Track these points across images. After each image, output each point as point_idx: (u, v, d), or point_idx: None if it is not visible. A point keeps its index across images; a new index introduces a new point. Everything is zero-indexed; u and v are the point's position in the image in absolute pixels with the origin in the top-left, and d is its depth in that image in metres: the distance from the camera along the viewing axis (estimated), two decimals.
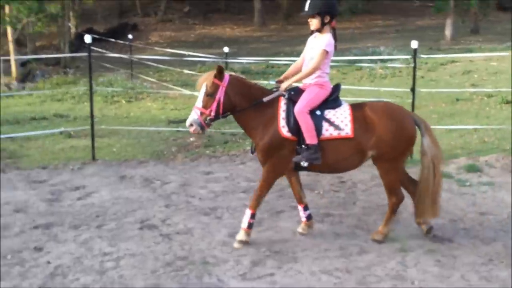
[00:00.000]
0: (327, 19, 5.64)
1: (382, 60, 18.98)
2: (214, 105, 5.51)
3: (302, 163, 5.59)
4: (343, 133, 5.55)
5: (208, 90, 5.51)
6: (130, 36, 22.11)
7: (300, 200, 6.06)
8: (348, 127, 5.54)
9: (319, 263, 5.34)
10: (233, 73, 5.75)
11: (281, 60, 15.66)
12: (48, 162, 9.12)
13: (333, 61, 5.92)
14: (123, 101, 15.83)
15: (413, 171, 6.35)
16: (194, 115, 5.54)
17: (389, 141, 5.53)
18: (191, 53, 17.22)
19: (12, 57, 21.82)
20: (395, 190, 5.77)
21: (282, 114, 5.58)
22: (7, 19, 22.18)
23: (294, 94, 5.64)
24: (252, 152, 5.93)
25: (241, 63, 20.05)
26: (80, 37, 17.67)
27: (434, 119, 11.56)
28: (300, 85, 5.83)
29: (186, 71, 17.66)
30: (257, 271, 5.21)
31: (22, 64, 23.81)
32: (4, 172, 8.50)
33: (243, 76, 5.86)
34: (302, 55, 5.90)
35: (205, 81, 5.55)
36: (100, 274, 5.16)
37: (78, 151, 9.92)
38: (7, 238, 5.94)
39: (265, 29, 34.93)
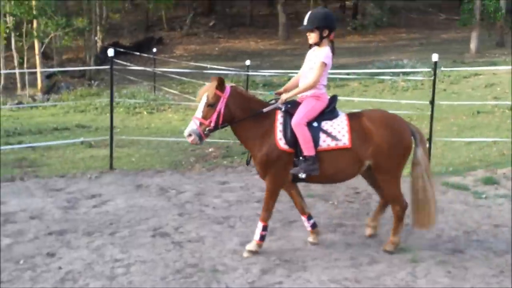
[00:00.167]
0: (325, 32, 5.66)
1: (404, 73, 18.85)
2: (214, 116, 5.54)
3: (300, 175, 5.59)
4: (340, 144, 5.55)
5: (209, 100, 5.54)
6: (154, 50, 22.39)
7: (302, 211, 6.06)
8: (346, 137, 5.54)
9: (328, 272, 5.32)
10: (233, 85, 5.79)
11: None
12: (67, 171, 9.26)
13: (355, 73, 5.93)
14: (145, 112, 16.04)
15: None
16: (193, 125, 5.55)
17: (386, 150, 5.52)
18: (213, 66, 17.33)
19: (38, 70, 22.25)
20: (397, 198, 5.75)
21: (279, 126, 5.59)
22: (35, 33, 22.67)
23: (291, 107, 5.65)
24: (248, 163, 5.95)
25: (263, 75, 20.11)
26: (105, 50, 17.89)
27: (454, 131, 11.46)
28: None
29: (208, 83, 17.71)
30: (266, 279, 5.21)
31: (48, 76, 24.26)
32: (23, 180, 8.66)
33: (242, 88, 5.89)
34: (301, 68, 5.90)
35: (206, 92, 5.59)
36: (110, 279, 5.21)
37: (97, 161, 10.06)
38: (20, 244, 6.04)
39: (289, 42, 34.95)
